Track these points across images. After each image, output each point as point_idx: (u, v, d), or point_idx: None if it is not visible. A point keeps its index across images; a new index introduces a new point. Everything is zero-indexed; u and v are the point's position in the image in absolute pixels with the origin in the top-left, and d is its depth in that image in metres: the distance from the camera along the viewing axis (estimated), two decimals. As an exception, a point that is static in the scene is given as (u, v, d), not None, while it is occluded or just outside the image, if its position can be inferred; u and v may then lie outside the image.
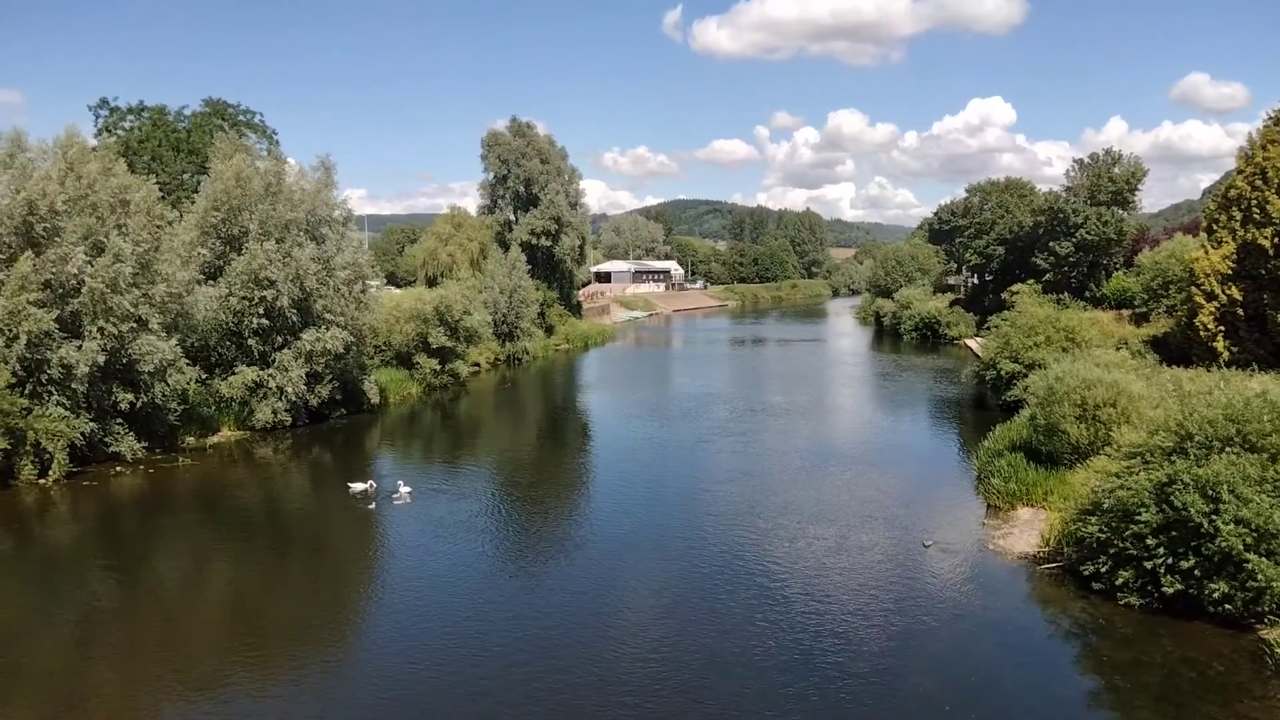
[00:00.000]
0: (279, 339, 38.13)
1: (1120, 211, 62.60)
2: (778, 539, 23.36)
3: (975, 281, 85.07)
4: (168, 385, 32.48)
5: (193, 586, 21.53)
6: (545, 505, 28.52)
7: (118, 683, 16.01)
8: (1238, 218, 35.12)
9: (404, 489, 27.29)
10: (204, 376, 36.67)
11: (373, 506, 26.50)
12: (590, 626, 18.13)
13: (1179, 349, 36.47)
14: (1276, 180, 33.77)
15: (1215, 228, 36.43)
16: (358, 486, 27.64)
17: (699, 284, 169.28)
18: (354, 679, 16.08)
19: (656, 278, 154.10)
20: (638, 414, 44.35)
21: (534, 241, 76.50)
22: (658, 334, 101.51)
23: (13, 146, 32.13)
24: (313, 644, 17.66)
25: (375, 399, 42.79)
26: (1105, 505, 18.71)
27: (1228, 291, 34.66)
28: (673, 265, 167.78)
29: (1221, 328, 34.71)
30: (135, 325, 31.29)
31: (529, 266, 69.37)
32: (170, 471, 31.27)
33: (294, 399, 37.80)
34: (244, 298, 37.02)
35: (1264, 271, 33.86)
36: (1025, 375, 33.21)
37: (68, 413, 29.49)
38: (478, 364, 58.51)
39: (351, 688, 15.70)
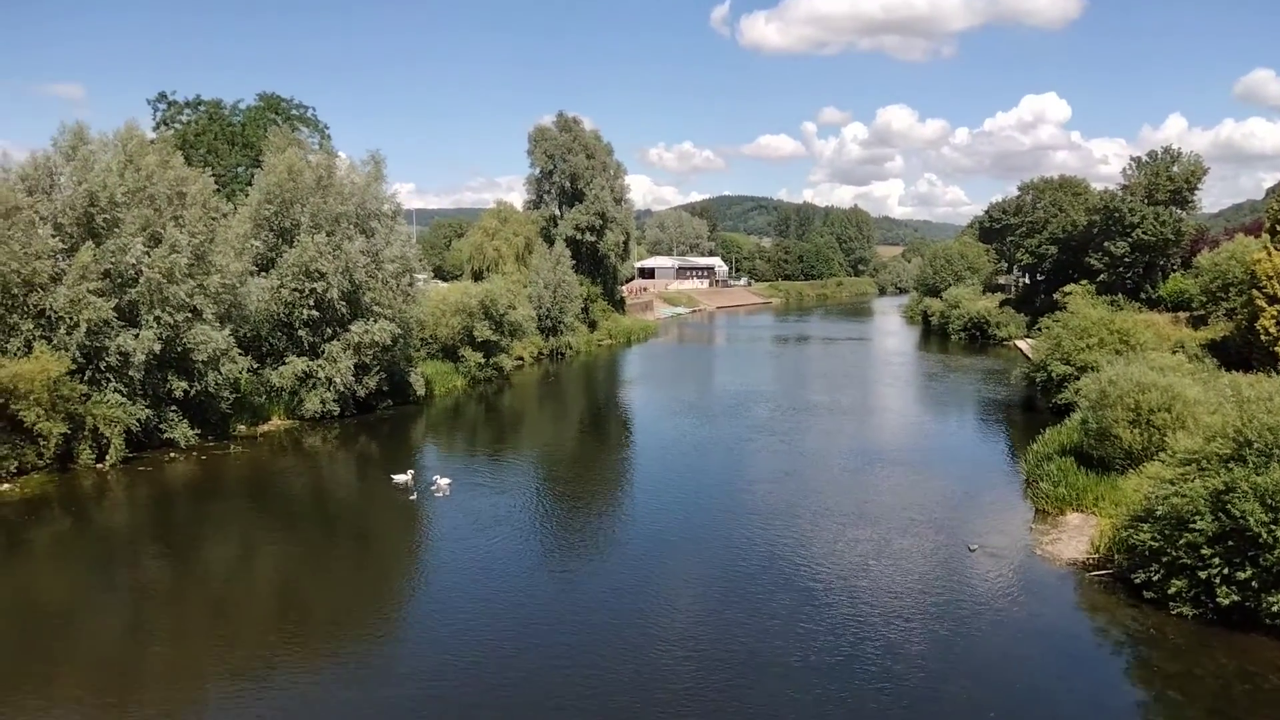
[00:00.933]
0: (328, 330, 38.79)
1: (1179, 211, 60.92)
2: (819, 540, 23.18)
3: (1026, 281, 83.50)
4: (220, 374, 33.21)
5: (241, 571, 22.03)
6: (586, 501, 28.62)
7: (167, 664, 16.43)
8: (1303, 218, 34.02)
9: (442, 481, 27.57)
10: (255, 366, 37.45)
11: (414, 497, 26.82)
12: (629, 623, 18.16)
13: (1238, 353, 35.39)
14: (1346, 180, 32.62)
15: (1278, 228, 35.30)
16: (399, 478, 27.99)
17: (743, 281, 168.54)
18: (395, 668, 16.30)
19: (700, 274, 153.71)
20: (679, 411, 44.31)
21: (579, 237, 76.78)
22: (701, 330, 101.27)
23: (75, 139, 33.03)
24: (355, 632, 17.94)
25: (421, 391, 43.33)
26: (1159, 512, 18.25)
27: (1291, 295, 33.55)
28: (717, 262, 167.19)
29: (1284, 332, 33.60)
30: (190, 315, 32.05)
31: (573, 261, 69.63)
32: (222, 458, 31.99)
33: (342, 389, 38.42)
34: (295, 289, 37.71)
35: (1330, 274, 32.75)
36: (1077, 378, 32.55)
37: (125, 399, 30.33)
38: (521, 358, 58.90)
39: (392, 676, 15.92)
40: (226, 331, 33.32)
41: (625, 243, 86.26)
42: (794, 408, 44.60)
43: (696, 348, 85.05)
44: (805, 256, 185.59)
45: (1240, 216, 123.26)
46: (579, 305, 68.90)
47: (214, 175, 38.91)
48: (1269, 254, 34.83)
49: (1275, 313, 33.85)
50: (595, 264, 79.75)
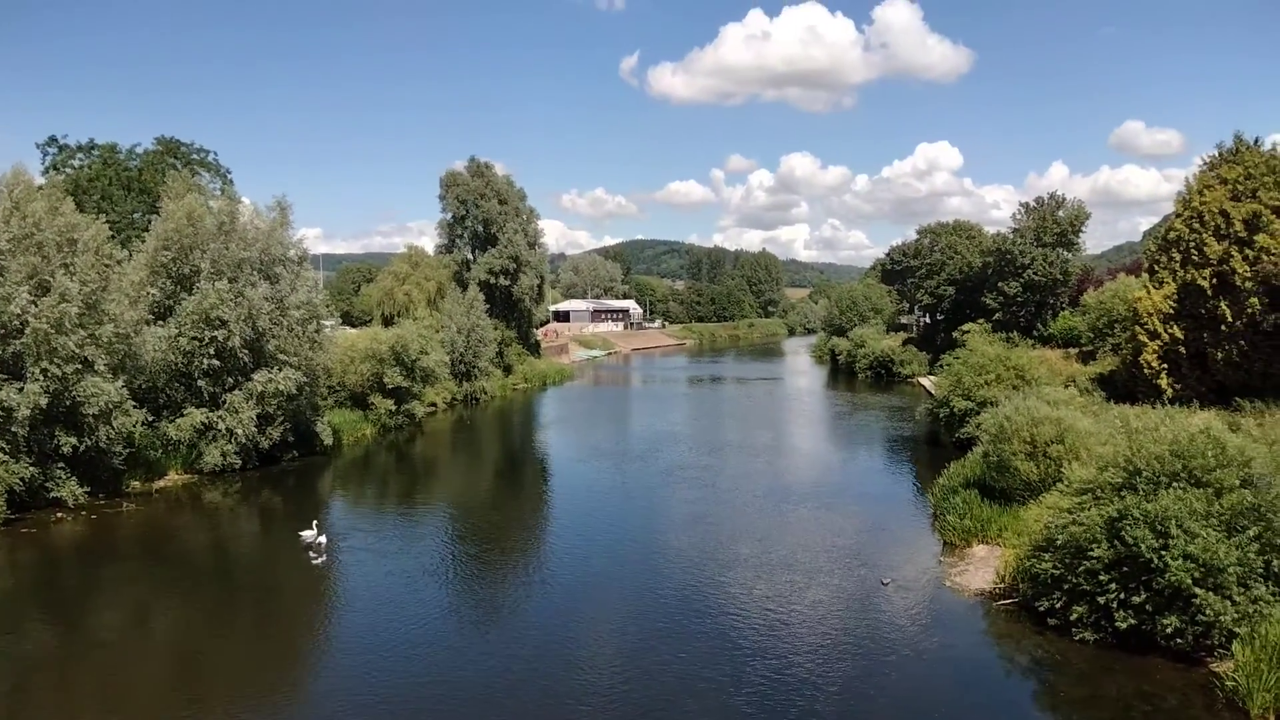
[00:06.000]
0: (230, 380, 37.40)
1: (1065, 253, 64.34)
2: (736, 581, 23.26)
3: (927, 321, 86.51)
4: (113, 428, 31.58)
5: (134, 637, 20.76)
6: (501, 551, 28.08)
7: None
8: (1177, 259, 36.24)
9: (317, 539, 26.14)
10: (151, 419, 35.70)
11: (322, 556, 25.70)
12: (548, 675, 17.79)
13: (1125, 386, 37.27)
14: (1213, 224, 34.94)
15: (1156, 268, 37.53)
16: (307, 534, 26.68)
17: (657, 323, 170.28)
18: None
19: (615, 317, 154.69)
20: (595, 455, 44.13)
21: (492, 281, 76.35)
22: (616, 373, 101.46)
23: (-45, 184, 31.37)
24: (258, 696, 17.08)
25: (328, 440, 42.06)
26: (1058, 541, 18.95)
27: (1170, 330, 35.60)
28: (631, 304, 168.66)
29: (1165, 365, 35.57)
30: (80, 367, 30.48)
31: (487, 306, 69.12)
32: (114, 517, 30.31)
33: (244, 441, 36.97)
34: (194, 338, 36.29)
35: (1203, 311, 34.88)
36: (977, 413, 33.71)
37: (7, 457, 28.54)
38: (434, 404, 57.89)
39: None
40: (120, 383, 31.77)
41: (539, 286, 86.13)
42: (709, 449, 44.93)
43: (612, 390, 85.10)
44: (717, 299, 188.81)
45: (1121, 257, 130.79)
46: (493, 349, 68.33)
47: (109, 222, 37.31)
48: (1148, 292, 36.96)
49: (1156, 347, 35.86)
50: (509, 308, 79.32)
